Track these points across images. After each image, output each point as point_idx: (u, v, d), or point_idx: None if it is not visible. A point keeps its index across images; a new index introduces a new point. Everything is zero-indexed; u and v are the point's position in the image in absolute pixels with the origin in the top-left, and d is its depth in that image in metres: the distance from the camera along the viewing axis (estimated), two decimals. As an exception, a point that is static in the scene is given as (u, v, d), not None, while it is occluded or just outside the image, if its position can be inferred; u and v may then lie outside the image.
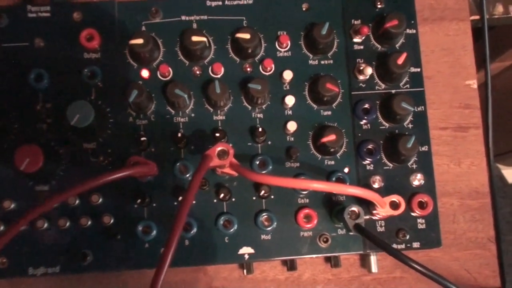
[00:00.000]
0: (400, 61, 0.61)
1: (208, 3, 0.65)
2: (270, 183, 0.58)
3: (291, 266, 0.64)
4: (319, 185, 0.53)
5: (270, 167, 0.61)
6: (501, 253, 0.68)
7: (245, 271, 0.64)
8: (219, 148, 0.54)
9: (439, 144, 0.69)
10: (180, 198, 0.60)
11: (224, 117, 0.63)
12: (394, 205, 0.58)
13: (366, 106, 0.63)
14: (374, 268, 0.65)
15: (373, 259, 0.65)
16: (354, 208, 0.58)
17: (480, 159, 0.70)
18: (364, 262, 0.67)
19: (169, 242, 0.45)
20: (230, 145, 0.56)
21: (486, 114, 0.72)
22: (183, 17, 0.64)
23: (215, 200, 0.61)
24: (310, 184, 0.53)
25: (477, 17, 0.76)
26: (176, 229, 0.45)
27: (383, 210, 0.57)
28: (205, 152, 0.54)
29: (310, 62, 0.64)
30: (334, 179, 0.61)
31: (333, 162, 0.63)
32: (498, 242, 0.68)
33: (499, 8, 0.76)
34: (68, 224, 0.60)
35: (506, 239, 0.69)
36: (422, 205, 0.61)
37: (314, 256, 0.62)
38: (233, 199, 0.61)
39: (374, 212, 0.59)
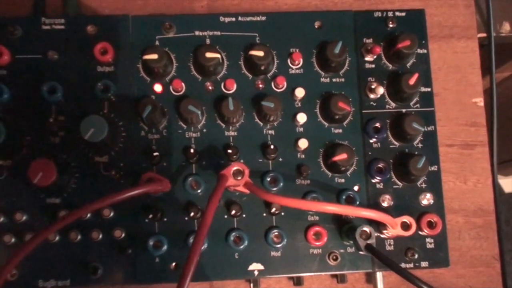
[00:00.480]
0: (412, 81, 0.62)
1: (222, 19, 0.65)
2: (285, 204, 0.58)
3: (297, 281, 0.65)
4: (333, 208, 0.53)
5: (281, 184, 0.61)
6: (504, 270, 0.68)
7: (251, 285, 0.65)
8: (235, 168, 0.54)
9: (445, 161, 0.69)
10: (192, 214, 0.60)
11: (235, 133, 0.63)
12: (405, 226, 0.58)
13: (377, 125, 0.63)
14: (380, 285, 0.65)
15: (379, 275, 0.65)
16: (366, 229, 0.58)
17: (486, 177, 0.70)
18: (370, 278, 0.67)
19: (188, 264, 0.45)
20: (241, 161, 0.56)
21: (491, 133, 0.72)
22: (196, 33, 0.64)
23: (226, 216, 0.61)
24: (325, 206, 0.53)
25: (484, 34, 0.77)
26: (195, 250, 0.45)
27: (394, 231, 0.58)
28: (221, 172, 0.54)
29: (322, 79, 0.65)
30: (344, 197, 0.62)
31: (343, 180, 0.63)
32: (502, 260, 0.69)
33: (506, 26, 0.77)
34: (79, 237, 0.60)
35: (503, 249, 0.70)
36: (431, 225, 0.61)
37: (323, 273, 0.62)
38: (244, 215, 0.62)
39: (384, 231, 0.60)
